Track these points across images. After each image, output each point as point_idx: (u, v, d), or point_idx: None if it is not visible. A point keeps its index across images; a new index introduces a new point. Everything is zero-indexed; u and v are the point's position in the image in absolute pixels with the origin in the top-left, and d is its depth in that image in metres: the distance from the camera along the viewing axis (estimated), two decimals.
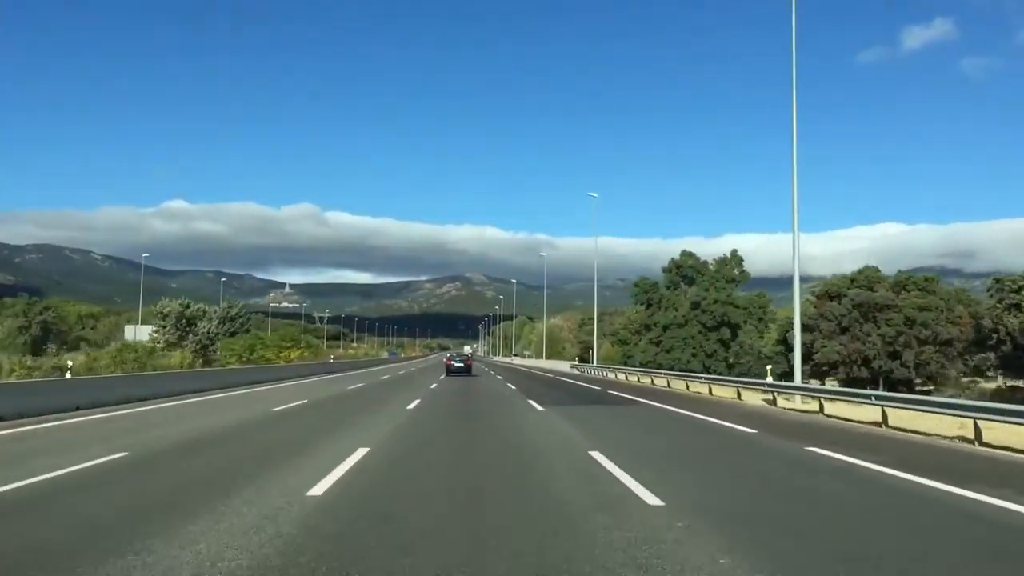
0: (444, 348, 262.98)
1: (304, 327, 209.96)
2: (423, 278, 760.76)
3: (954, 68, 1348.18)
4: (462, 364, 50.31)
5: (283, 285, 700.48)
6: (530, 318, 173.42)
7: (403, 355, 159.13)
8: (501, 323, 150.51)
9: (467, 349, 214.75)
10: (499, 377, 46.92)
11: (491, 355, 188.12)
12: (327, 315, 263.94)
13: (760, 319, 72.79)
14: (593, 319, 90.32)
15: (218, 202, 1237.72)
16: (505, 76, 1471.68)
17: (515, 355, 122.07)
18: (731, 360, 70.32)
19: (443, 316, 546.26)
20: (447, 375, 46.18)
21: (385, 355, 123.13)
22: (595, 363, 59.64)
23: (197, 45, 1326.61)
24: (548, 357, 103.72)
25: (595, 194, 58.94)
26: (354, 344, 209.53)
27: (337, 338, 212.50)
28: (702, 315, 69.98)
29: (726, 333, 70.31)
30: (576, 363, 65.38)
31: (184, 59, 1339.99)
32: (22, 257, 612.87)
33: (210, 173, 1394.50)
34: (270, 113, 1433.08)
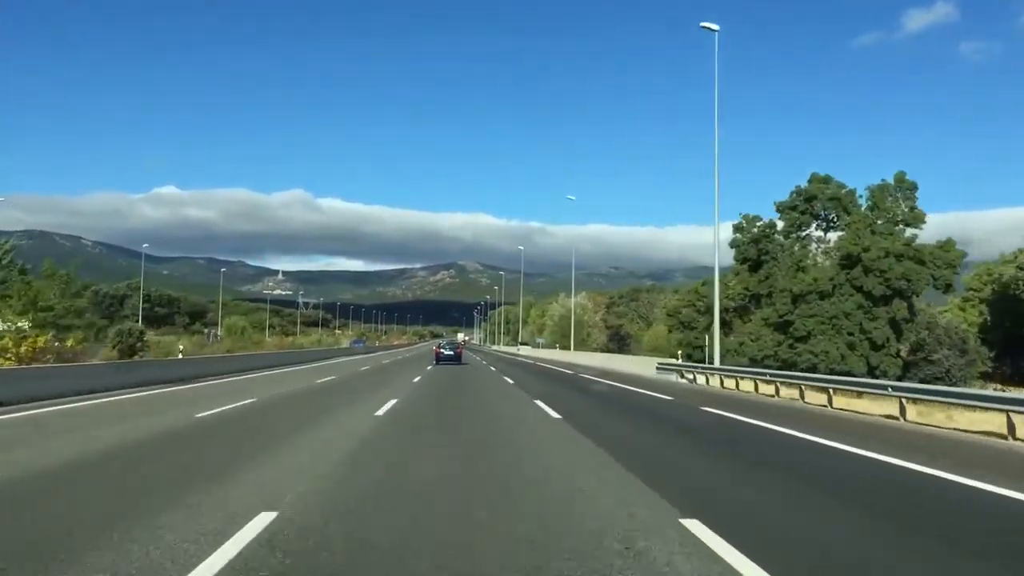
0: (436, 335, 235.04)
1: (276, 311, 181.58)
2: (417, 265, 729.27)
3: (954, 52, 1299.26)
4: (452, 352, 46.53)
5: (276, 272, 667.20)
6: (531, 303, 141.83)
7: (379, 343, 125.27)
8: (502, 306, 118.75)
9: (460, 337, 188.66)
10: (551, 413, 16.25)
11: (488, 343, 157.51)
12: (306, 300, 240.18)
13: (948, 285, 42.29)
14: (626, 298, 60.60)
15: (209, 188, 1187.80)
16: (499, 65, 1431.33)
17: (523, 344, 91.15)
18: (905, 355, 39.99)
19: (436, 303, 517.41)
20: (437, 363, 42.89)
21: (346, 344, 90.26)
22: (715, 360, 28.62)
23: (188, 32, 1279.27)
24: (567, 346, 72.90)
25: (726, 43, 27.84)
26: (337, 331, 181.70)
27: (325, 324, 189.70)
28: (863, 278, 39.37)
29: (900, 308, 39.85)
30: (676, 362, 30.89)
31: (175, 46, 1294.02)
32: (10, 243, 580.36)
33: (201, 159, 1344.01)
34: (261, 99, 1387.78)
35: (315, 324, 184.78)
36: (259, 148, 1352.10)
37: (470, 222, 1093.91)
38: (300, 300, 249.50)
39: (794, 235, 43.58)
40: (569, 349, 68.17)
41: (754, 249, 43.52)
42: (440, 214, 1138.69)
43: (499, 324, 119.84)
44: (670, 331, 62.17)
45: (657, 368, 31.23)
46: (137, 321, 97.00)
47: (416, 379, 26.89)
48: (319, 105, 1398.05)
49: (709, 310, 57.24)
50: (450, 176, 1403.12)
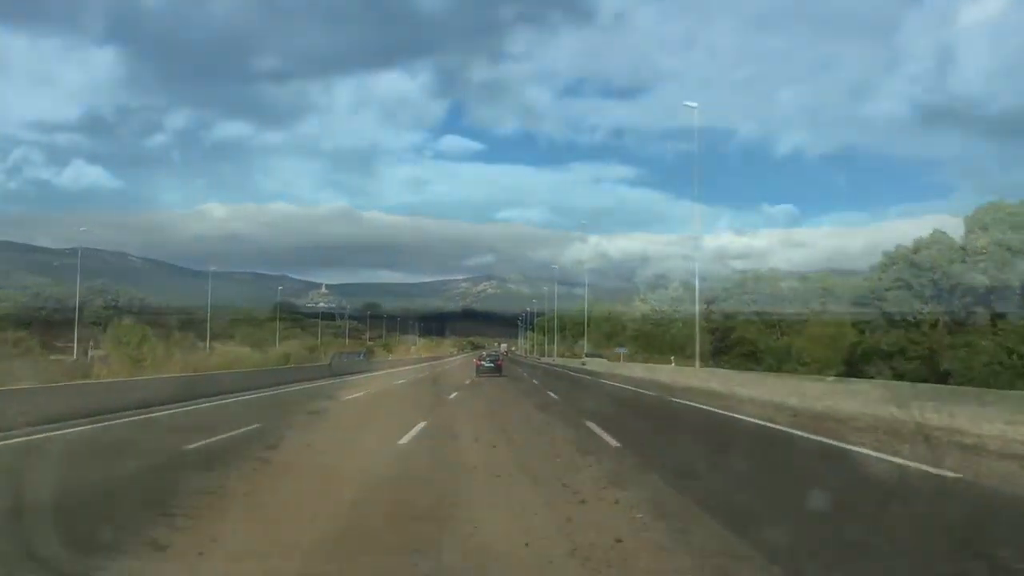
0: (478, 346, 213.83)
1: (298, 320, 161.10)
2: (459, 277, 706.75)
3: None
4: (492, 364, 44.72)
5: (319, 285, 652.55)
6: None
7: (391, 356, 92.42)
8: (555, 307, 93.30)
9: (502, 347, 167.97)
10: None
11: (535, 354, 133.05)
12: (340, 312, 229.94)
13: None
14: None
15: (253, 203, 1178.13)
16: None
17: (589, 355, 65.51)
18: None
19: (479, 314, 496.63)
20: (477, 375, 41.70)
21: (326, 360, 53.74)
22: None
23: (226, 46, 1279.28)
24: (664, 359, 46.99)
25: None
26: (369, 341, 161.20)
27: (356, 335, 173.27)
28: None
29: None
30: None
31: (210, 57, 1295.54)
32: (60, 261, 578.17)
33: (244, 174, 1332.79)
34: (297, 109, 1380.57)
35: (348, 335, 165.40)
36: (302, 161, 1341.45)
37: (511, 232, 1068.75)
38: (338, 311, 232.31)
39: None
40: (669, 363, 42.35)
41: None
42: (481, 224, 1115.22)
43: (553, 331, 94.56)
44: (862, 332, 35.80)
45: None
46: (73, 331, 74.63)
47: None
48: (355, 115, 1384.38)
49: (954, 286, 31.08)
50: (490, 185, 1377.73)
